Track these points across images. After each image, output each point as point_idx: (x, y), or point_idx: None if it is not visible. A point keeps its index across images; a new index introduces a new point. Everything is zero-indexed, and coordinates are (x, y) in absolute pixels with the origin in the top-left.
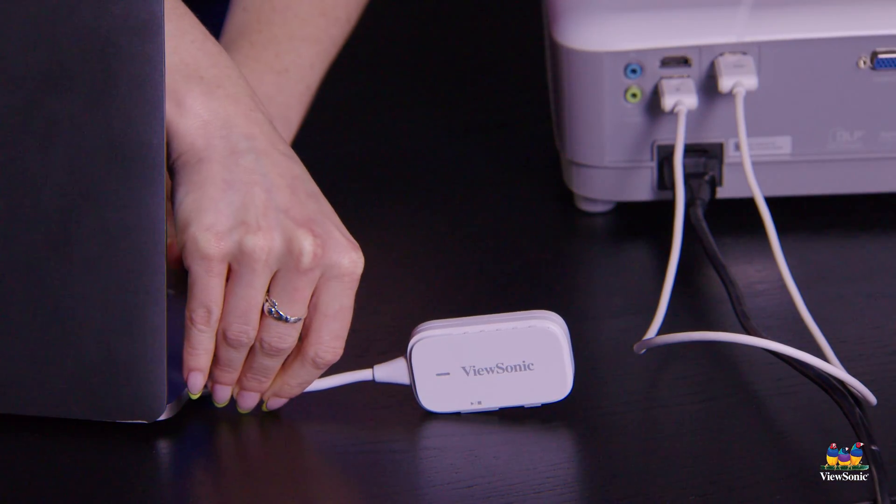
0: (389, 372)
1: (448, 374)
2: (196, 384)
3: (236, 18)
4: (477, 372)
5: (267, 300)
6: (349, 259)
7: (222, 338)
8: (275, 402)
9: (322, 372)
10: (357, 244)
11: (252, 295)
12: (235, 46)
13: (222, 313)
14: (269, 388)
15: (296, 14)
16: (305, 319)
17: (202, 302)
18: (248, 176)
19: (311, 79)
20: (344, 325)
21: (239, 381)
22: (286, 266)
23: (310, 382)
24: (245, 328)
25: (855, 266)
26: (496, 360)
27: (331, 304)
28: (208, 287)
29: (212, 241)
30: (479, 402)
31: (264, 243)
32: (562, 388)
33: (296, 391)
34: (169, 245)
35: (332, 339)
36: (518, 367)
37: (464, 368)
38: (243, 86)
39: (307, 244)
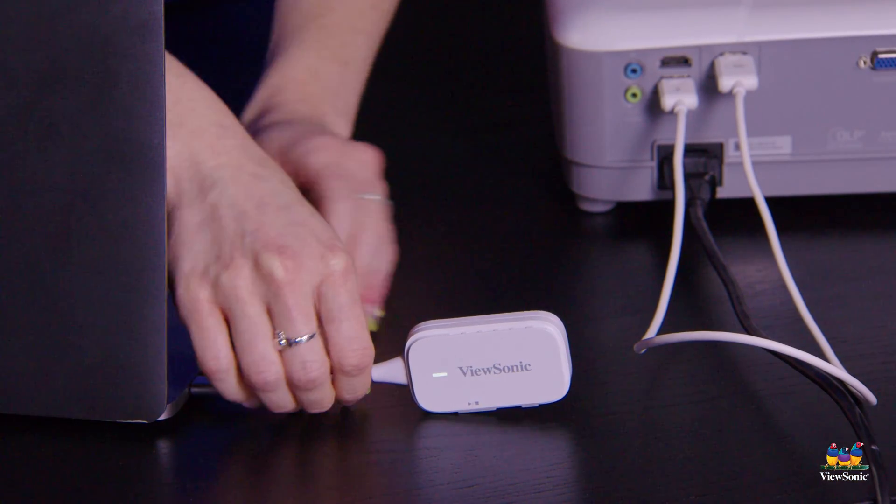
0: (387, 372)
1: (445, 374)
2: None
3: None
4: (474, 372)
5: (274, 334)
6: (326, 262)
7: (250, 384)
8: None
9: (361, 377)
10: (335, 242)
11: (251, 326)
12: (305, 27)
13: (238, 360)
14: (332, 402)
15: (354, 4)
16: (322, 334)
17: (205, 349)
18: (216, 210)
19: (364, 74)
20: (354, 325)
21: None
22: (268, 290)
23: (364, 386)
24: (261, 365)
25: (855, 266)
26: (493, 361)
27: (331, 309)
28: (206, 333)
29: (192, 284)
30: (477, 403)
31: (236, 274)
32: (559, 389)
33: (359, 395)
34: None
35: (348, 341)
36: (515, 368)
37: (461, 369)
38: (209, 113)
39: (274, 263)
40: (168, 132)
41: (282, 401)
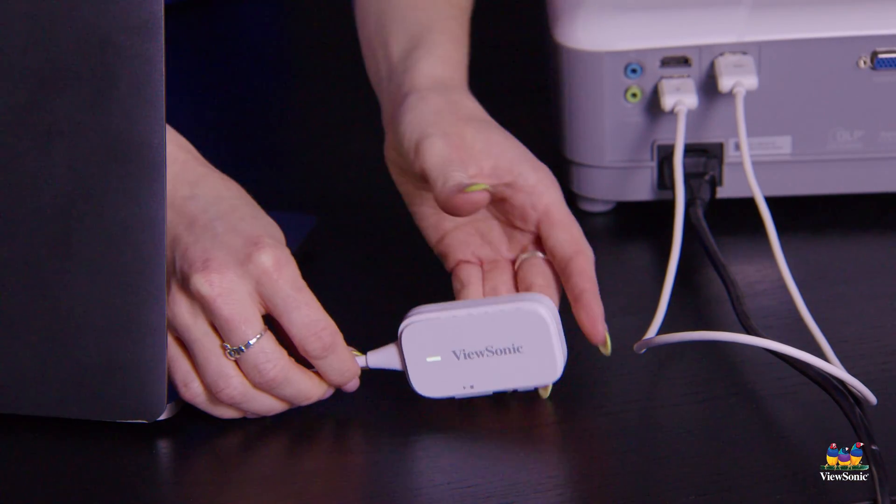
0: (382, 358)
1: (439, 358)
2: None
3: None
4: (467, 356)
5: (223, 348)
6: (254, 261)
7: (222, 402)
8: (350, 387)
9: (335, 356)
10: (261, 238)
11: (200, 348)
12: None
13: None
14: (322, 390)
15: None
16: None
17: (174, 380)
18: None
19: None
20: (305, 311)
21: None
22: (204, 308)
23: (343, 364)
24: (220, 382)
25: (855, 266)
26: (485, 344)
27: (276, 304)
28: (171, 364)
29: None
30: (472, 387)
31: (174, 303)
32: (552, 371)
33: (347, 375)
34: None
35: (304, 328)
36: (507, 351)
37: (454, 352)
38: (175, 178)
39: (200, 282)
40: None
41: (263, 406)
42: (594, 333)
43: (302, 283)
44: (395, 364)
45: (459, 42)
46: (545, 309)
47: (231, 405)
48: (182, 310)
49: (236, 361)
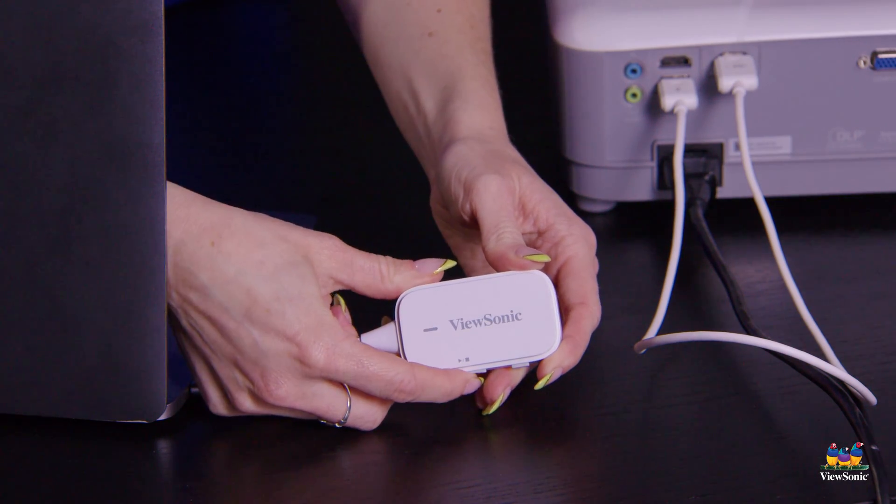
0: (377, 339)
1: (436, 328)
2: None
3: None
4: (465, 325)
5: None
6: (305, 368)
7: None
8: (469, 389)
9: (424, 393)
10: (299, 338)
11: (308, 410)
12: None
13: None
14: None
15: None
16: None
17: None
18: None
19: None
20: (375, 385)
21: None
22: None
23: (441, 391)
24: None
25: (855, 266)
26: (484, 312)
27: (347, 385)
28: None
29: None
30: (468, 360)
31: (274, 397)
32: (550, 341)
33: (449, 397)
34: None
35: (384, 394)
36: (506, 318)
37: (451, 322)
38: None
39: (273, 401)
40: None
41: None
42: (539, 374)
43: (359, 353)
44: (390, 345)
45: (492, 87)
46: (545, 275)
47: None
48: (284, 395)
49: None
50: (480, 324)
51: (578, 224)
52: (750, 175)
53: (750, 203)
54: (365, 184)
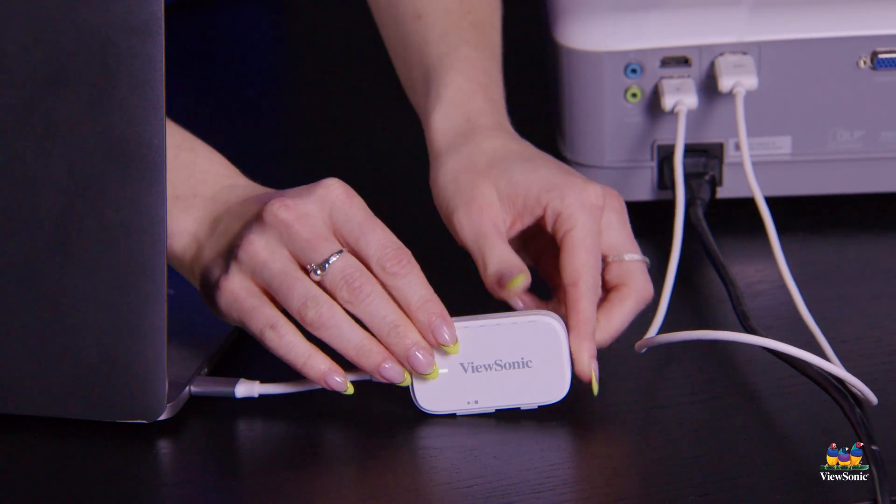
0: None
1: (446, 370)
2: (336, 383)
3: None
4: (475, 369)
5: (306, 270)
6: (324, 195)
7: (310, 327)
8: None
9: (411, 276)
10: (324, 181)
11: (283, 278)
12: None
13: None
14: (416, 341)
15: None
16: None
17: (260, 324)
18: (224, 233)
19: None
20: (378, 234)
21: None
22: (281, 236)
23: (422, 288)
24: (308, 302)
25: (855, 266)
26: (495, 357)
27: (351, 229)
28: (253, 313)
29: (224, 284)
30: (476, 402)
31: (248, 243)
32: (559, 388)
33: (424, 297)
34: None
35: (379, 248)
36: (517, 365)
37: (462, 365)
38: (217, 179)
39: (277, 209)
40: (183, 207)
41: (350, 335)
42: (578, 372)
43: (369, 211)
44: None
45: (472, 66)
46: (558, 323)
47: (319, 329)
48: (256, 248)
49: (321, 284)
50: (491, 368)
51: (573, 189)
52: (750, 175)
53: (750, 203)
54: (365, 183)
